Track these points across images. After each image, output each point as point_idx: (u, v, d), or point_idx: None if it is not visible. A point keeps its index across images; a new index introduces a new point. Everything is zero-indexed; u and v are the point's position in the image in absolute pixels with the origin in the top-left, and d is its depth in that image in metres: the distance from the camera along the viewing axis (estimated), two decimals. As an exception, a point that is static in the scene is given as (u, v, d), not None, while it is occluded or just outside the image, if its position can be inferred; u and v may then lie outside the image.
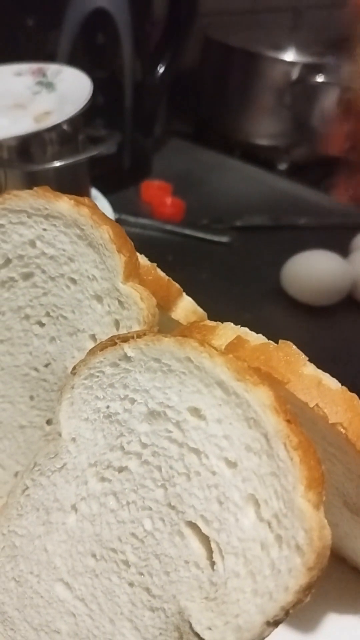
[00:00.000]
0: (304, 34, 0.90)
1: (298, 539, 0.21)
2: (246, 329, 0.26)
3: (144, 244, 0.71)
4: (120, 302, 0.30)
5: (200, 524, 0.24)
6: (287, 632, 0.31)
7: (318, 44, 0.88)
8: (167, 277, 0.34)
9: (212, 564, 0.24)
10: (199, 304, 0.38)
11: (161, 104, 0.83)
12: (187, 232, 0.70)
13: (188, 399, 0.25)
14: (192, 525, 0.24)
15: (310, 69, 0.84)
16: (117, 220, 0.69)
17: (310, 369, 0.24)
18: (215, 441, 0.24)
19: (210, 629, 0.23)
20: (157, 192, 0.75)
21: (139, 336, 0.26)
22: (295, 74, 0.84)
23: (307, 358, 0.24)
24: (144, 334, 0.26)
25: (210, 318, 0.35)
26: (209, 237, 0.70)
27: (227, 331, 0.25)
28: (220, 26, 0.94)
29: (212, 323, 0.26)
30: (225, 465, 0.24)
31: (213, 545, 0.24)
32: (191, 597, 0.24)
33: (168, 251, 0.68)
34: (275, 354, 0.24)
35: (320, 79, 0.84)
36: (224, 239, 0.70)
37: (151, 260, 0.75)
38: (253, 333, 0.25)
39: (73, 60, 0.63)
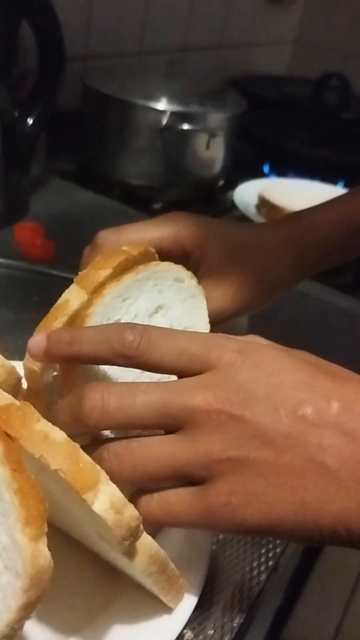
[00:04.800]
0: (176, 83, 0.98)
1: (17, 567, 0.26)
2: (0, 391, 0.30)
3: (11, 285, 0.74)
4: None
5: None
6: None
7: (187, 93, 0.95)
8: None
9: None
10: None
11: (38, 147, 0.88)
12: (54, 272, 0.74)
13: None
14: None
15: (177, 117, 0.91)
16: (-15, 262, 0.73)
17: (41, 425, 0.28)
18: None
19: None
20: (29, 233, 0.79)
21: None
22: (164, 120, 0.91)
23: (40, 416, 0.29)
24: None
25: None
26: (74, 277, 0.74)
27: (-15, 392, 0.30)
28: (99, 70, 1.01)
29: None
30: (-30, 508, 0.28)
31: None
32: None
33: (34, 291, 0.72)
34: (14, 413, 0.29)
35: (186, 126, 0.91)
36: (90, 278, 0.74)
37: (16, 299, 0.78)
38: (5, 394, 0.30)
39: None
